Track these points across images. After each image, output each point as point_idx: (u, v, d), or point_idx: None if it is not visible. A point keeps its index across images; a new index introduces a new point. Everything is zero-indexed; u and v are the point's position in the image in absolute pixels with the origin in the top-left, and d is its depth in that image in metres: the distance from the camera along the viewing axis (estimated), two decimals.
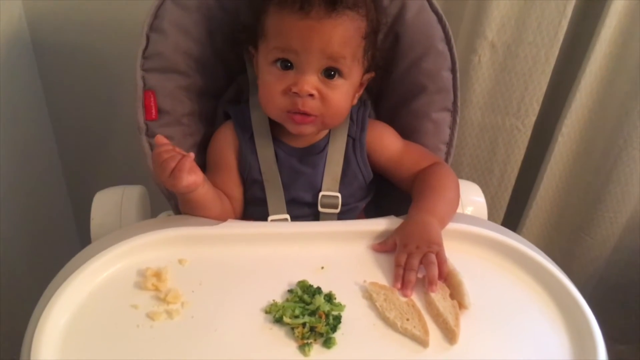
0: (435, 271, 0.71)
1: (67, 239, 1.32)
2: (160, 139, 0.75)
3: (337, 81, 0.81)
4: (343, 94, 0.82)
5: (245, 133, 0.89)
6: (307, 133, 0.86)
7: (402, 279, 0.72)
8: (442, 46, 0.90)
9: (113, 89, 1.23)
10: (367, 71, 0.86)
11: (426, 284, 0.71)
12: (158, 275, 0.71)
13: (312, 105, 0.80)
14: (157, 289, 0.70)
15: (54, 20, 1.18)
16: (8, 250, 1.11)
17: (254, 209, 0.89)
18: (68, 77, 1.24)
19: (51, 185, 1.32)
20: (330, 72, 0.80)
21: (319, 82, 0.80)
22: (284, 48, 0.78)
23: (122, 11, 1.13)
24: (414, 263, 0.72)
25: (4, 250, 1.10)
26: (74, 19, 1.18)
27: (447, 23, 0.90)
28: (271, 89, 0.81)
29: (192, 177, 0.74)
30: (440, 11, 0.91)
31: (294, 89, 0.79)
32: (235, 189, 0.88)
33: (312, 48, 0.77)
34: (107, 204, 0.92)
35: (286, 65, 0.80)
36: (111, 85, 1.22)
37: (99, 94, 1.26)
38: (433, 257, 0.73)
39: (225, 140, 0.89)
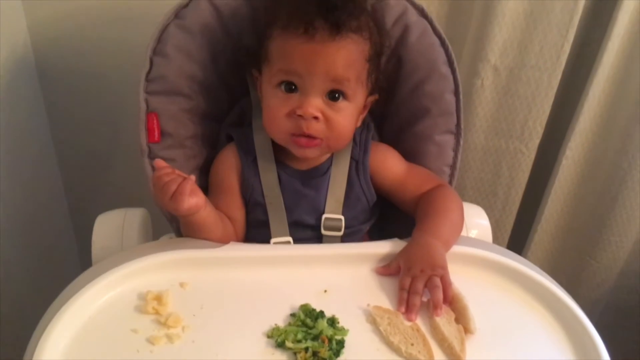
0: (440, 295, 0.70)
1: (69, 262, 1.31)
2: (159, 162, 0.75)
3: (341, 104, 0.81)
4: (347, 116, 0.82)
5: (248, 156, 0.88)
6: (311, 157, 0.86)
7: (406, 302, 0.71)
8: (444, 69, 0.91)
9: (116, 113, 1.23)
10: (370, 93, 0.86)
11: (431, 308, 0.70)
12: (159, 298, 0.71)
13: (316, 128, 0.80)
14: (157, 312, 0.69)
15: (59, 46, 1.18)
16: (9, 273, 1.10)
17: (256, 231, 0.88)
18: (71, 101, 1.24)
19: (53, 208, 1.32)
20: (334, 95, 0.80)
21: (323, 105, 0.80)
22: (288, 71, 0.79)
23: (127, 36, 1.14)
24: (419, 287, 0.71)
25: (5, 272, 1.09)
26: (79, 44, 1.19)
27: (449, 46, 0.91)
28: (275, 111, 0.81)
29: (193, 200, 0.74)
30: (443, 34, 0.91)
31: (299, 112, 0.79)
32: (238, 212, 0.88)
33: (316, 71, 0.77)
34: (108, 226, 0.91)
35: (290, 88, 0.80)
36: (114, 109, 1.23)
37: (102, 118, 1.26)
38: (438, 280, 0.72)
39: (228, 163, 0.89)
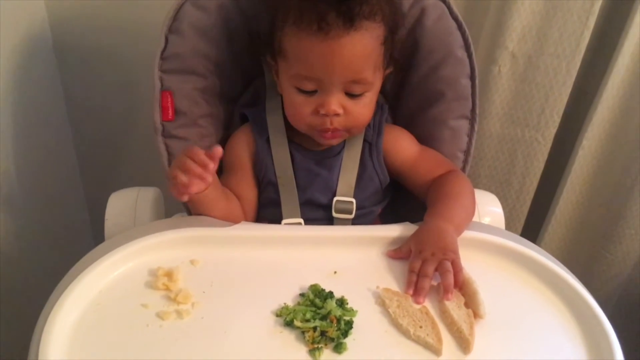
0: (451, 279, 0.70)
1: (82, 240, 1.33)
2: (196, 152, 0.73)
3: (360, 94, 0.81)
4: (367, 104, 0.83)
5: (262, 135, 0.89)
6: (335, 144, 0.87)
7: (415, 285, 0.71)
8: (461, 53, 0.90)
9: (132, 92, 1.24)
10: (386, 68, 0.85)
11: (441, 292, 0.70)
12: (169, 275, 0.71)
13: (340, 122, 0.82)
14: (167, 288, 0.70)
15: (76, 24, 1.19)
16: (23, 249, 1.12)
17: (268, 211, 0.89)
18: (88, 80, 1.25)
19: (68, 186, 1.33)
20: (354, 87, 0.80)
21: (344, 99, 0.80)
22: (307, 76, 0.79)
23: (144, 15, 1.14)
24: (429, 270, 0.71)
25: (20, 248, 1.10)
26: (96, 22, 1.19)
27: (466, 30, 0.90)
28: (299, 110, 0.82)
29: (194, 188, 0.73)
30: (460, 18, 0.90)
31: (322, 111, 0.80)
32: (250, 191, 0.88)
33: (335, 71, 0.77)
34: (121, 205, 0.92)
35: (309, 91, 0.80)
36: (130, 89, 1.23)
37: (118, 97, 1.27)
38: (449, 264, 0.71)
39: (242, 142, 0.89)
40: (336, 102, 0.79)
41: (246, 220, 0.87)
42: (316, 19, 0.74)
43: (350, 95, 0.80)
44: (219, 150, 0.72)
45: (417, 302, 0.70)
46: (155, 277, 0.71)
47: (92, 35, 1.20)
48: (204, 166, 0.72)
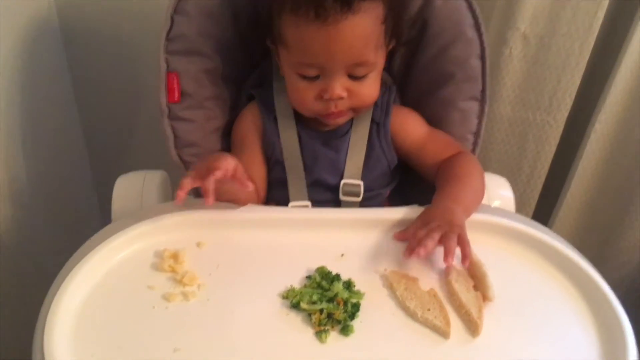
0: (453, 244, 0.68)
1: (90, 223, 1.33)
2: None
3: (364, 76, 0.80)
4: (371, 84, 0.82)
5: (270, 115, 0.88)
6: (342, 122, 0.87)
7: (417, 243, 0.69)
8: (471, 33, 0.88)
9: (139, 76, 1.23)
10: (389, 44, 0.84)
11: (443, 258, 0.69)
12: (175, 257, 0.71)
13: (344, 104, 0.81)
14: (173, 270, 0.69)
15: (83, 5, 1.18)
16: (31, 232, 1.12)
17: (276, 191, 0.88)
18: (95, 63, 1.25)
19: (76, 169, 1.34)
20: (357, 69, 0.79)
21: (347, 82, 0.79)
22: (309, 64, 0.78)
23: None
24: (434, 234, 0.69)
25: (27, 231, 1.11)
26: (103, 3, 1.18)
27: (477, 9, 0.88)
28: (302, 95, 0.81)
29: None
30: None
31: (326, 96, 0.79)
32: (258, 169, 0.87)
33: (336, 58, 0.76)
34: (128, 188, 0.91)
35: (312, 76, 0.79)
36: (137, 72, 1.23)
37: (125, 81, 1.26)
38: (454, 235, 0.69)
39: (250, 121, 0.89)
40: (339, 86, 0.79)
41: (258, 198, 0.86)
42: (313, 6, 0.73)
43: (354, 77, 0.79)
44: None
45: (417, 255, 0.68)
46: (161, 259, 0.71)
47: (99, 16, 1.19)
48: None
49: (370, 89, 0.82)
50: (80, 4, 1.18)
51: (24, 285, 1.06)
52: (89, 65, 1.25)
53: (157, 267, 0.70)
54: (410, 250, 0.69)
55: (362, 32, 0.76)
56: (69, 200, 1.28)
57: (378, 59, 0.81)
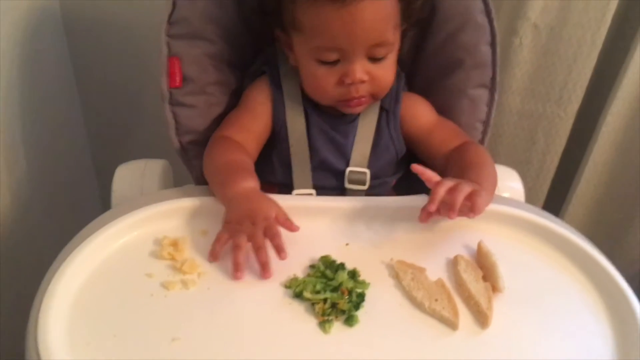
0: (460, 197, 0.67)
1: (92, 213, 1.31)
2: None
3: (383, 58, 0.78)
4: (390, 66, 0.80)
5: (279, 93, 0.86)
6: (359, 112, 0.85)
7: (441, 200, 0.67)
8: (481, 18, 0.86)
9: (142, 62, 1.21)
10: (403, 24, 0.82)
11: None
12: (175, 244, 0.69)
13: (365, 89, 0.79)
14: (173, 258, 0.68)
15: None
16: (31, 220, 1.11)
17: (279, 173, 0.86)
18: (97, 49, 1.23)
19: (77, 158, 1.32)
20: (376, 51, 0.77)
21: (367, 65, 0.77)
22: (329, 48, 0.76)
23: None
24: (464, 187, 0.68)
25: (28, 219, 1.09)
26: None
27: None
28: (322, 82, 0.79)
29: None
30: None
31: (348, 80, 0.77)
32: (259, 128, 0.85)
33: (358, 39, 0.74)
34: (128, 177, 0.90)
35: (331, 61, 0.77)
36: (140, 58, 1.21)
37: (128, 69, 1.25)
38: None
39: (262, 91, 0.86)
40: (361, 69, 0.77)
41: (252, 156, 0.83)
42: None
43: (373, 59, 0.77)
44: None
45: (450, 217, 0.67)
46: (161, 246, 0.69)
47: (101, 4, 1.17)
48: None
49: (388, 71, 0.80)
50: None
51: (23, 273, 1.05)
52: (91, 53, 1.23)
53: (156, 255, 0.68)
54: (433, 199, 0.67)
55: (382, 10, 0.75)
56: (69, 189, 1.27)
57: (396, 39, 0.79)
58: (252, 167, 0.79)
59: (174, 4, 0.82)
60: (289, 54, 0.83)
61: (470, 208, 0.67)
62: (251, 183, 0.74)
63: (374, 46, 0.76)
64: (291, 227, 0.69)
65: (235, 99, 0.89)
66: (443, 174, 0.73)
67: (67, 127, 1.27)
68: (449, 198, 0.67)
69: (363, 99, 0.81)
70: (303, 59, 0.80)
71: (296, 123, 0.85)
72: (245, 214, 0.69)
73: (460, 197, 0.67)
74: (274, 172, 0.86)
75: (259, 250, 0.66)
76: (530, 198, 1.31)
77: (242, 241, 0.66)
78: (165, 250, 0.68)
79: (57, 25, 1.18)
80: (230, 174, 0.75)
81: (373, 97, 0.82)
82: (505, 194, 0.92)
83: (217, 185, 0.76)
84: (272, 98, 0.85)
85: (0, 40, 0.98)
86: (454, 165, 0.81)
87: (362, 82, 0.78)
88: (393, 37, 0.78)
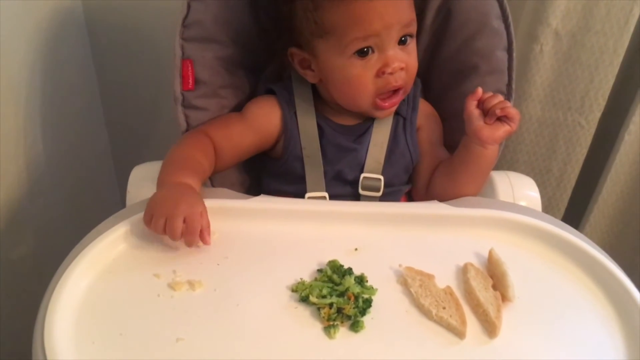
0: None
1: (111, 212, 1.33)
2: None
3: (410, 44, 0.80)
4: (415, 53, 0.82)
5: (290, 109, 0.85)
6: (390, 114, 0.86)
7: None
8: (497, 24, 0.85)
9: (162, 67, 1.22)
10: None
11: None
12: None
13: (402, 77, 0.79)
14: None
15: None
16: (50, 220, 1.12)
17: (292, 187, 0.85)
18: (119, 53, 1.24)
19: (98, 159, 1.34)
20: (403, 39, 0.78)
21: (399, 52, 0.78)
22: (366, 35, 0.76)
23: None
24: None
25: (46, 218, 1.11)
26: None
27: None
28: (362, 79, 0.79)
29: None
30: None
31: (388, 70, 0.77)
32: (242, 142, 0.85)
33: (393, 23, 0.75)
34: (143, 178, 0.90)
35: (363, 51, 0.77)
36: (160, 63, 1.22)
37: (148, 72, 1.26)
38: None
39: (266, 107, 0.86)
40: (398, 57, 0.78)
41: (219, 165, 0.83)
42: None
43: (403, 43, 0.78)
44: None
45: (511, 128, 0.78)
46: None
47: (124, 7, 1.19)
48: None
49: (414, 58, 0.81)
50: None
51: (42, 271, 1.06)
52: (113, 56, 1.25)
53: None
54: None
55: None
56: (90, 189, 1.28)
57: (416, 25, 0.80)
58: (203, 170, 0.78)
59: (189, 7, 0.83)
60: (305, 72, 0.83)
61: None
62: (189, 180, 0.74)
63: (405, 26, 0.77)
64: (205, 239, 0.68)
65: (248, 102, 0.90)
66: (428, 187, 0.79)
67: (88, 128, 1.28)
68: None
69: (398, 94, 0.80)
70: (336, 63, 0.79)
71: (310, 140, 0.84)
72: (170, 198, 0.69)
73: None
74: (288, 185, 0.86)
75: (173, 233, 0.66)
76: (550, 207, 1.29)
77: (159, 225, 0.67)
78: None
79: (80, 27, 1.20)
80: (177, 166, 0.76)
81: (404, 90, 0.82)
82: (522, 203, 0.90)
83: (162, 171, 0.76)
84: (282, 116, 0.85)
85: (23, 42, 0.99)
86: (449, 162, 0.84)
87: (401, 69, 0.78)
88: (415, 20, 0.79)
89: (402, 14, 0.76)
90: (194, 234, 0.67)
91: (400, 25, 0.76)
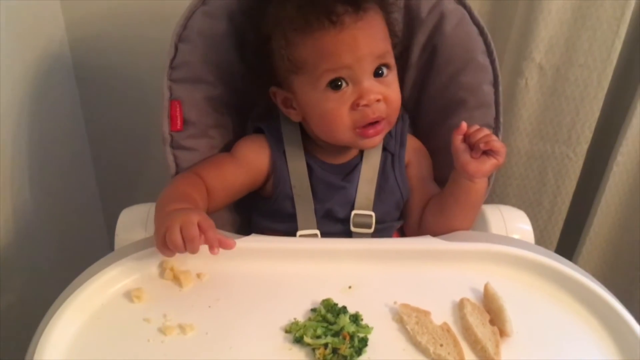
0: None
1: (100, 256, 1.32)
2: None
3: (388, 75, 0.79)
4: (395, 84, 0.81)
5: (279, 148, 0.85)
6: (378, 143, 0.83)
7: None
8: (483, 59, 0.86)
9: (150, 110, 1.22)
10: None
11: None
12: (177, 279, 0.69)
13: (380, 109, 0.78)
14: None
15: (96, 44, 1.19)
16: (39, 262, 1.11)
17: (283, 225, 0.85)
18: (107, 99, 1.25)
19: (86, 203, 1.33)
20: (379, 71, 0.78)
21: (375, 84, 0.77)
22: (337, 67, 0.75)
23: (164, 33, 1.13)
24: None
25: (33, 260, 1.09)
26: (116, 42, 1.19)
27: (488, 35, 0.86)
28: (337, 113, 0.77)
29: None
30: (482, 23, 0.87)
31: (362, 102, 0.76)
32: (234, 183, 0.84)
33: (364, 54, 0.75)
34: (132, 221, 0.89)
35: (337, 84, 0.76)
36: (148, 106, 1.21)
37: (136, 117, 1.26)
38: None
39: (256, 146, 0.86)
40: (373, 88, 0.77)
41: (211, 206, 0.82)
42: (325, 16, 0.73)
43: (380, 75, 0.78)
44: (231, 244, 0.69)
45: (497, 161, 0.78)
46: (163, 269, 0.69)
47: (112, 55, 1.20)
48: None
49: (395, 91, 0.80)
50: (93, 40, 1.18)
51: (30, 319, 1.04)
52: (101, 100, 1.25)
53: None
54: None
55: (378, 25, 0.78)
56: (78, 232, 1.27)
57: (392, 57, 0.80)
58: (198, 208, 0.77)
59: (176, 49, 0.84)
60: (288, 111, 0.83)
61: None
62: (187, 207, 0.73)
63: (379, 57, 0.77)
64: (213, 250, 0.68)
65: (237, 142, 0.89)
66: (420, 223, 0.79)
67: (76, 172, 1.28)
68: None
69: (380, 124, 0.79)
70: (311, 98, 0.79)
71: (300, 178, 0.84)
72: (167, 216, 0.68)
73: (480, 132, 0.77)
74: (279, 223, 0.85)
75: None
76: (542, 240, 1.29)
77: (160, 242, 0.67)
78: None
79: (68, 71, 1.20)
80: (173, 201, 0.74)
81: (388, 121, 0.80)
82: (515, 236, 0.89)
83: (157, 209, 0.75)
84: (271, 155, 0.85)
85: (10, 87, 0.99)
86: (439, 197, 0.84)
87: (377, 100, 0.77)
88: (390, 52, 0.79)
89: (374, 46, 0.76)
90: (190, 241, 0.66)
91: (372, 57, 0.76)
